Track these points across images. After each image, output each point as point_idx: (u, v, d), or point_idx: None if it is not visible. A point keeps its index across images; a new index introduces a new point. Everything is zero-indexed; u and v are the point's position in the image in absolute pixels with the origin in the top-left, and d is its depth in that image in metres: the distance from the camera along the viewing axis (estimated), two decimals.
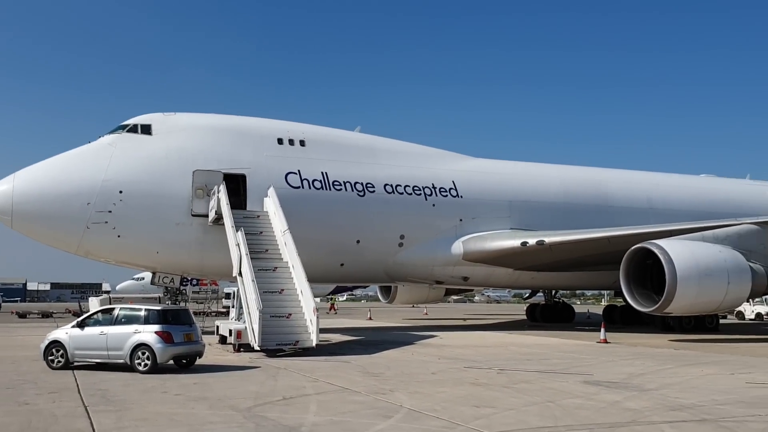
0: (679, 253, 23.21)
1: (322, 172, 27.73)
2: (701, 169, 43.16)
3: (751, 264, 24.20)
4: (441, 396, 10.65)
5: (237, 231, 20.64)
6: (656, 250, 23.49)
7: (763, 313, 46.00)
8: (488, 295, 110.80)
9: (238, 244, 20.19)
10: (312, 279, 20.00)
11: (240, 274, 19.78)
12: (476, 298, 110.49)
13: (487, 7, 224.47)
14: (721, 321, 33.17)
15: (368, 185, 28.43)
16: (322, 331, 20.43)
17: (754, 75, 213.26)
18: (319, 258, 26.43)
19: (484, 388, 11.51)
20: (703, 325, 27.63)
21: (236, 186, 25.54)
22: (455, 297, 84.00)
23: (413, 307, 59.89)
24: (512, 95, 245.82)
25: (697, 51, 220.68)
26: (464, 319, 42.10)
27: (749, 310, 45.87)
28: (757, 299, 41.23)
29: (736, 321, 43.74)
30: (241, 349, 18.34)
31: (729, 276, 23.40)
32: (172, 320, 14.29)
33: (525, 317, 41.25)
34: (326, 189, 27.53)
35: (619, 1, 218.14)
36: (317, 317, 18.10)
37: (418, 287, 36.99)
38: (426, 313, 49.74)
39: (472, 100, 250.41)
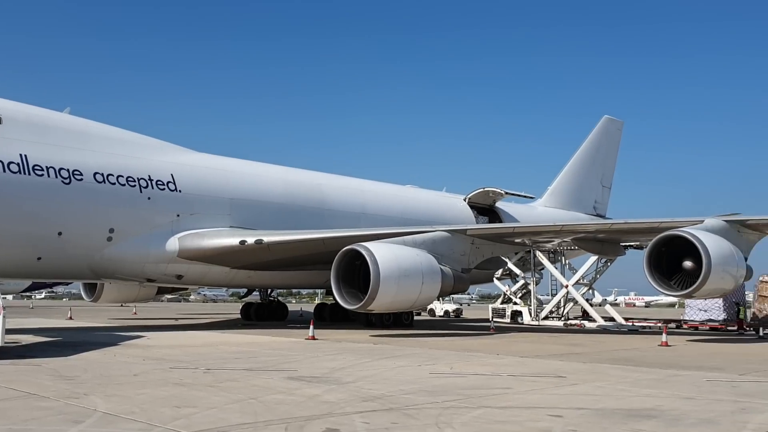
0: (383, 255, 25.22)
1: (20, 155, 24.85)
2: (406, 179, 47.55)
3: (441, 267, 27.17)
4: (141, 398, 10.22)
5: None
6: (364, 252, 25.25)
7: (450, 310, 51.98)
8: (204, 294, 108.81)
9: None
10: (2, 273, 17.84)
11: None
12: (192, 297, 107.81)
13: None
14: (416, 317, 36.74)
15: (75, 172, 26.18)
16: (11, 331, 18.39)
17: (448, 100, 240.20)
18: (11, 250, 23.79)
19: (188, 388, 11.31)
20: (400, 321, 30.37)
21: None
22: (169, 296, 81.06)
23: (121, 306, 56.51)
24: (235, 89, 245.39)
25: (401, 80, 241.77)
26: (176, 319, 40.80)
27: (439, 307, 51.56)
28: (446, 298, 46.46)
29: (429, 317, 48.76)
30: None
31: (423, 277, 26.05)
32: None
33: (240, 316, 41.33)
34: (24, 173, 24.73)
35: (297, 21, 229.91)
36: (3, 316, 16.12)
37: (128, 285, 34.97)
38: (135, 313, 47.15)
39: (197, 90, 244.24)
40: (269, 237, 29.81)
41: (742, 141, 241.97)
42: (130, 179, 27.68)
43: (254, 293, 44.28)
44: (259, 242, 29.47)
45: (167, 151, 30.52)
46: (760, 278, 34.12)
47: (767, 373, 15.14)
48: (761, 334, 29.49)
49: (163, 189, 28.67)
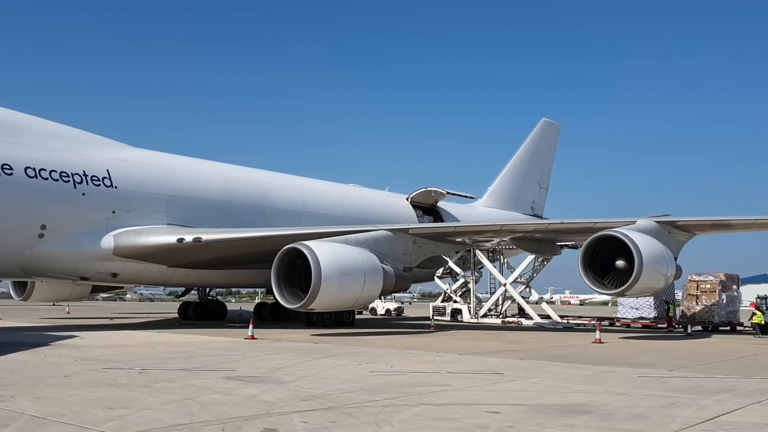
0: (325, 253, 25.13)
1: None
2: (349, 179, 47.96)
3: (383, 265, 27.27)
4: (72, 400, 9.90)
5: None
6: (305, 251, 25.11)
7: (392, 309, 52.22)
8: (141, 293, 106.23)
9: None
10: None
11: None
12: (128, 295, 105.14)
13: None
14: (357, 316, 36.73)
15: (5, 167, 25.23)
16: None
17: (383, 100, 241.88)
18: None
19: (123, 389, 11.02)
20: (341, 320, 30.32)
21: None
22: (105, 294, 78.49)
23: (54, 305, 54.57)
24: (173, 86, 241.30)
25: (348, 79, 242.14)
26: (111, 318, 39.72)
27: (381, 306, 51.73)
28: (387, 296, 46.67)
29: (370, 316, 48.86)
30: None
31: (365, 276, 26.09)
32: None
33: (177, 316, 40.52)
34: None
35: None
36: None
37: (60, 283, 33.84)
38: (68, 312, 45.70)
39: (134, 86, 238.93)
40: (208, 235, 29.31)
41: (674, 143, 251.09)
42: (63, 174, 26.79)
43: (192, 292, 43.50)
44: (197, 240, 28.95)
45: (103, 146, 29.66)
46: (689, 277, 35.45)
47: (695, 369, 15.75)
48: (690, 331, 30.65)
49: (99, 185, 27.86)
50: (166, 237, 28.91)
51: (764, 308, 33.44)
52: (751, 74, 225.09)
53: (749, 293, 57.32)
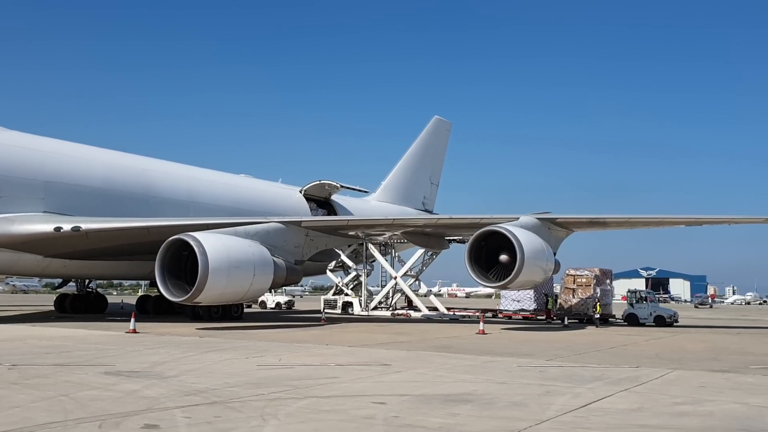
0: (213, 245, 24.53)
1: None
2: (241, 170, 46.63)
3: (274, 258, 26.96)
4: None
5: None
6: (192, 242, 24.40)
7: (282, 302, 51.70)
8: (14, 284, 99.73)
9: None
10: None
11: None
12: (0, 287, 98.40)
13: None
14: (247, 310, 36.13)
15: None
16: None
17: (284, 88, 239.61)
18: None
19: None
20: (229, 313, 29.74)
21: None
22: None
23: None
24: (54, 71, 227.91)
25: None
26: None
27: (271, 299, 51.10)
28: (278, 290, 46.18)
29: (260, 309, 48.20)
30: None
31: (255, 268, 25.69)
32: None
33: (54, 308, 38.33)
34: None
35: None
36: None
37: None
38: None
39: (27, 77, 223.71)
40: (88, 224, 27.89)
41: (561, 143, 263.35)
42: None
43: (70, 284, 41.25)
44: (76, 229, 27.47)
45: None
46: (567, 272, 37.35)
47: (571, 358, 16.65)
48: (566, 323, 32.32)
49: None
50: (42, 225, 27.26)
51: (634, 301, 35.82)
52: (638, 74, 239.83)
53: (621, 287, 61.20)
